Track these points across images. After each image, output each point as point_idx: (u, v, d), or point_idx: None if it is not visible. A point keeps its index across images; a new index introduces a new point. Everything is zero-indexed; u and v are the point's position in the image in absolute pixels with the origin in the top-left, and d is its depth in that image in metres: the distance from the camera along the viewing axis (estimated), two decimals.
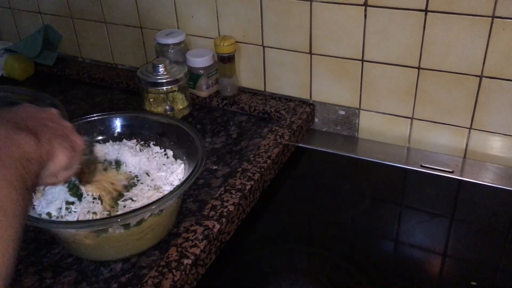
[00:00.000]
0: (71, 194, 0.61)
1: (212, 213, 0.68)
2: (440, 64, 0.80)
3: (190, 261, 0.60)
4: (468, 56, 0.77)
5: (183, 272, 0.59)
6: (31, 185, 0.42)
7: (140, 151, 0.71)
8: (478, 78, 0.78)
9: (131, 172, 0.68)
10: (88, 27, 1.14)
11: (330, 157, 0.90)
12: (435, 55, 0.80)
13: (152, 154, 0.71)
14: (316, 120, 0.97)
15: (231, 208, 0.69)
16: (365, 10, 0.81)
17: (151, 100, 0.91)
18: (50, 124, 0.50)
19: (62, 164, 0.49)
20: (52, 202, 0.61)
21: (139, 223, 0.59)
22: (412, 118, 0.87)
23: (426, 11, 0.77)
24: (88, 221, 0.59)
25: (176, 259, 0.60)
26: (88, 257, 0.62)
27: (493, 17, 0.73)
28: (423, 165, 0.84)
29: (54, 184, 0.54)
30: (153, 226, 0.61)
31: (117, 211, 0.62)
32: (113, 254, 0.61)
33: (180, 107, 0.93)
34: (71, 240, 0.60)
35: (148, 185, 0.66)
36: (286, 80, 0.96)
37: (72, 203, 0.61)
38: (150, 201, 0.60)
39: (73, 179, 0.61)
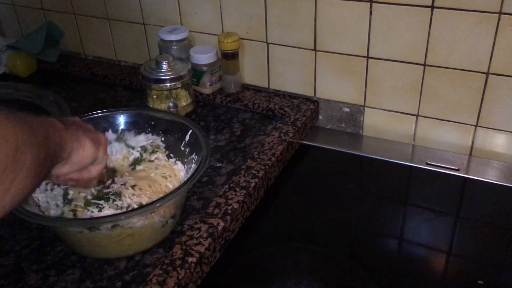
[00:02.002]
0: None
1: (217, 210, 0.67)
2: (446, 61, 0.79)
3: (194, 259, 0.60)
4: (475, 53, 0.77)
5: (187, 270, 0.58)
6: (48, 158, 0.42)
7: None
8: (485, 75, 0.78)
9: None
10: (91, 23, 1.14)
11: (334, 154, 0.89)
12: (441, 51, 0.79)
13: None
14: (320, 117, 0.96)
15: (236, 205, 0.68)
16: (371, 6, 0.81)
17: (154, 97, 0.91)
18: (75, 124, 0.52)
19: (89, 153, 0.51)
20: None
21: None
22: (417, 116, 0.87)
23: (432, 7, 0.76)
24: (90, 219, 0.59)
25: (180, 257, 0.60)
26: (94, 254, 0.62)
27: (500, 13, 0.72)
28: (428, 162, 0.84)
29: (89, 179, 0.55)
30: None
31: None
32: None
33: (184, 104, 0.92)
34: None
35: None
36: (290, 77, 0.96)
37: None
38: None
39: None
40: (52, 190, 0.63)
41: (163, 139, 0.72)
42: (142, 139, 0.72)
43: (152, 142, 0.72)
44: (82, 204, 0.60)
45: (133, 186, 0.63)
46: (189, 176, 0.61)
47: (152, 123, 0.73)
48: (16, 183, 0.37)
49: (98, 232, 0.58)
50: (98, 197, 0.61)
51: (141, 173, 0.66)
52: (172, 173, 0.68)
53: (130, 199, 0.61)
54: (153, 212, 0.58)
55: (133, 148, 0.71)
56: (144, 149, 0.71)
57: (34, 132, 0.40)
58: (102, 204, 0.60)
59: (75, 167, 0.51)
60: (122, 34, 1.11)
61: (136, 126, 0.73)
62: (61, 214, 0.61)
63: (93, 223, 0.58)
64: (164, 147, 0.72)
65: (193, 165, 0.66)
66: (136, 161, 0.69)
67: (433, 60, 0.80)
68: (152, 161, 0.69)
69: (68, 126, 0.49)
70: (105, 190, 0.62)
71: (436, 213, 0.75)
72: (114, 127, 0.72)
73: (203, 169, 0.61)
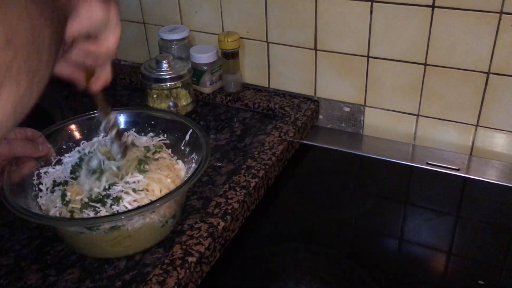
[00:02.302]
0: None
1: (217, 210, 0.67)
2: (447, 60, 0.79)
3: (194, 259, 0.59)
4: (475, 52, 0.77)
5: (187, 270, 0.58)
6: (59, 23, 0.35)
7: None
8: (485, 74, 0.78)
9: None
10: None
11: (334, 154, 0.89)
12: (441, 51, 0.79)
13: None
14: (321, 117, 0.96)
15: (236, 205, 0.68)
16: (371, 6, 0.80)
17: (154, 96, 0.91)
18: None
19: (97, 8, 0.43)
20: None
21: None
22: (418, 115, 0.87)
23: (433, 6, 0.76)
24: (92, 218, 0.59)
25: (180, 256, 0.60)
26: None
27: (501, 13, 0.72)
28: (428, 162, 0.84)
29: (108, 50, 0.49)
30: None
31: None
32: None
33: (184, 103, 0.92)
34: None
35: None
36: (290, 77, 0.95)
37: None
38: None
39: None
40: (52, 192, 0.63)
41: (166, 140, 0.72)
42: (145, 140, 0.71)
43: (154, 143, 0.71)
44: (79, 207, 0.60)
45: (141, 190, 0.61)
46: (189, 175, 0.61)
47: (152, 122, 0.73)
48: (38, 72, 0.31)
49: (95, 233, 0.57)
50: (96, 200, 0.60)
51: (153, 175, 0.64)
52: (175, 173, 0.67)
53: (131, 205, 0.59)
54: (153, 211, 0.58)
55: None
56: (147, 149, 0.70)
57: None
58: (99, 208, 0.59)
59: (84, 25, 0.43)
60: (122, 33, 1.10)
61: (136, 126, 0.73)
62: (59, 215, 0.60)
63: (92, 223, 0.57)
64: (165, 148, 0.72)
65: (193, 165, 0.66)
66: (142, 161, 0.68)
67: (433, 60, 0.80)
68: (157, 159, 0.68)
69: None
70: (104, 193, 0.61)
71: (437, 213, 0.75)
72: None
73: (203, 169, 0.60)
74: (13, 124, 0.31)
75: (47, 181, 0.64)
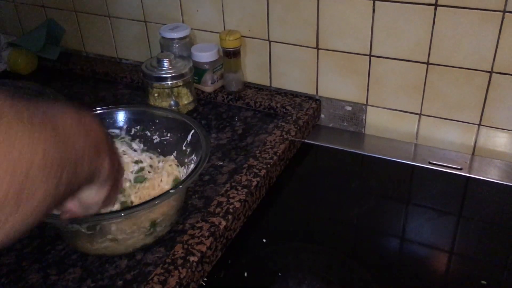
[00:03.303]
0: None
1: (218, 209, 0.67)
2: (450, 59, 0.79)
3: (196, 258, 0.59)
4: (478, 51, 0.76)
5: (189, 270, 0.58)
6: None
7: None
8: (488, 73, 0.77)
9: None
10: (92, 21, 1.13)
11: (336, 153, 0.89)
12: (444, 50, 0.78)
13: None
14: (322, 116, 0.96)
15: (237, 204, 0.68)
16: (374, 5, 0.80)
17: (155, 95, 0.90)
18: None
19: (102, 197, 0.45)
20: None
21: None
22: (420, 114, 0.86)
23: (435, 5, 0.76)
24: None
25: (182, 256, 0.60)
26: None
27: (504, 11, 0.72)
28: (431, 162, 0.83)
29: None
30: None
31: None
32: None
33: (185, 102, 0.92)
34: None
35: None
36: (292, 75, 0.95)
37: None
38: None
39: None
40: None
41: (169, 138, 0.71)
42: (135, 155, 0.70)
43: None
44: None
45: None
46: (187, 174, 0.61)
47: (157, 121, 0.73)
48: (15, 217, 0.29)
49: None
50: None
51: (145, 191, 0.63)
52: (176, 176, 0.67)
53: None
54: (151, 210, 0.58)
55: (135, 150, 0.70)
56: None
57: (57, 145, 0.31)
58: None
59: (78, 204, 0.45)
60: (123, 32, 1.11)
61: (140, 124, 0.73)
62: None
63: (92, 221, 0.57)
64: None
65: (192, 166, 0.66)
66: (141, 170, 0.68)
67: (436, 59, 0.80)
68: (158, 167, 0.68)
69: (109, 151, 0.40)
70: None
71: (439, 212, 0.75)
72: (114, 125, 0.72)
73: (201, 168, 0.60)
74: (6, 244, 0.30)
75: None
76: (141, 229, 0.59)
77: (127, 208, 0.58)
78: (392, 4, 0.79)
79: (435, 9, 0.76)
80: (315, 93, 0.95)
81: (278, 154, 0.79)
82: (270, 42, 0.94)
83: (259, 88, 0.99)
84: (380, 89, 0.87)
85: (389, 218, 0.75)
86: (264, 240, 0.70)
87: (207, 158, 0.62)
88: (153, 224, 0.60)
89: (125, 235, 0.58)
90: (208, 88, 0.97)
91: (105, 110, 0.71)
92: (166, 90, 0.89)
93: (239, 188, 0.71)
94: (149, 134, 0.73)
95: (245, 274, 0.65)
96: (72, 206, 0.45)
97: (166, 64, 0.88)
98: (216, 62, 0.95)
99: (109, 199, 0.47)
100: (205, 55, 0.94)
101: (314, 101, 0.94)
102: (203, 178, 0.74)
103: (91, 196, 0.44)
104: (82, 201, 0.45)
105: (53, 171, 0.31)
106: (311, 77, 0.93)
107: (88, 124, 0.38)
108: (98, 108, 0.71)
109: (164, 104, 0.91)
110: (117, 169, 0.45)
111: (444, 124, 0.85)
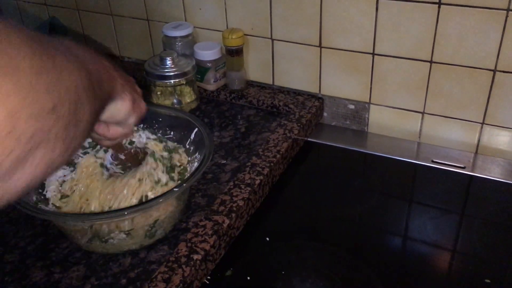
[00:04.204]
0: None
1: (222, 208, 0.67)
2: (453, 57, 0.79)
3: (200, 257, 0.59)
4: (482, 50, 0.76)
5: (193, 268, 0.58)
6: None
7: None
8: (492, 72, 0.77)
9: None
10: (94, 19, 1.13)
11: (339, 152, 0.89)
12: (447, 48, 0.78)
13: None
14: (325, 114, 0.96)
15: (241, 203, 0.68)
16: (377, 3, 0.80)
17: (158, 93, 0.90)
18: (124, 76, 0.49)
19: (125, 110, 0.48)
20: None
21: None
22: (423, 113, 0.86)
23: (439, 3, 0.75)
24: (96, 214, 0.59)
25: (185, 254, 0.60)
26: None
27: (508, 10, 0.72)
28: (434, 160, 0.83)
29: (124, 136, 0.54)
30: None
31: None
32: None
33: (188, 100, 0.92)
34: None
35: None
36: (295, 74, 0.95)
37: None
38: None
39: None
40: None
41: (172, 137, 0.71)
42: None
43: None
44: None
45: None
46: (192, 172, 0.61)
47: (160, 119, 0.72)
48: (76, 133, 0.32)
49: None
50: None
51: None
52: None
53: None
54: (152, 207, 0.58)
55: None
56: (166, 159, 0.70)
57: (91, 77, 0.35)
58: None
59: (103, 119, 0.48)
60: (126, 30, 1.11)
61: (141, 122, 0.72)
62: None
63: (92, 219, 0.57)
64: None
65: (195, 164, 0.66)
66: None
67: (439, 57, 0.80)
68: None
69: (119, 73, 0.45)
70: None
71: (442, 211, 0.75)
72: None
73: (205, 167, 0.60)
74: (41, 181, 0.33)
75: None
76: (144, 227, 0.59)
77: (130, 207, 0.58)
78: (396, 2, 0.79)
79: (439, 7, 0.76)
80: (318, 91, 0.94)
81: (281, 152, 0.79)
82: (273, 40, 0.93)
83: (261, 86, 0.99)
84: (383, 87, 0.87)
85: (392, 216, 0.75)
86: (268, 239, 0.70)
87: (210, 156, 0.62)
88: (156, 222, 0.60)
89: (129, 233, 0.58)
90: (211, 86, 0.97)
91: None
92: (169, 89, 0.89)
93: (242, 186, 0.71)
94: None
95: (249, 273, 0.65)
96: (102, 130, 0.50)
97: (168, 62, 0.88)
98: (218, 60, 0.95)
99: (138, 107, 0.51)
100: (207, 53, 0.94)
101: (317, 100, 0.94)
102: (206, 176, 0.74)
103: (118, 109, 0.47)
104: (112, 120, 0.49)
105: (91, 91, 0.35)
106: (314, 76, 0.93)
107: (93, 52, 0.42)
108: None
109: (167, 102, 0.91)
110: (128, 79, 0.49)
111: (447, 123, 0.85)
